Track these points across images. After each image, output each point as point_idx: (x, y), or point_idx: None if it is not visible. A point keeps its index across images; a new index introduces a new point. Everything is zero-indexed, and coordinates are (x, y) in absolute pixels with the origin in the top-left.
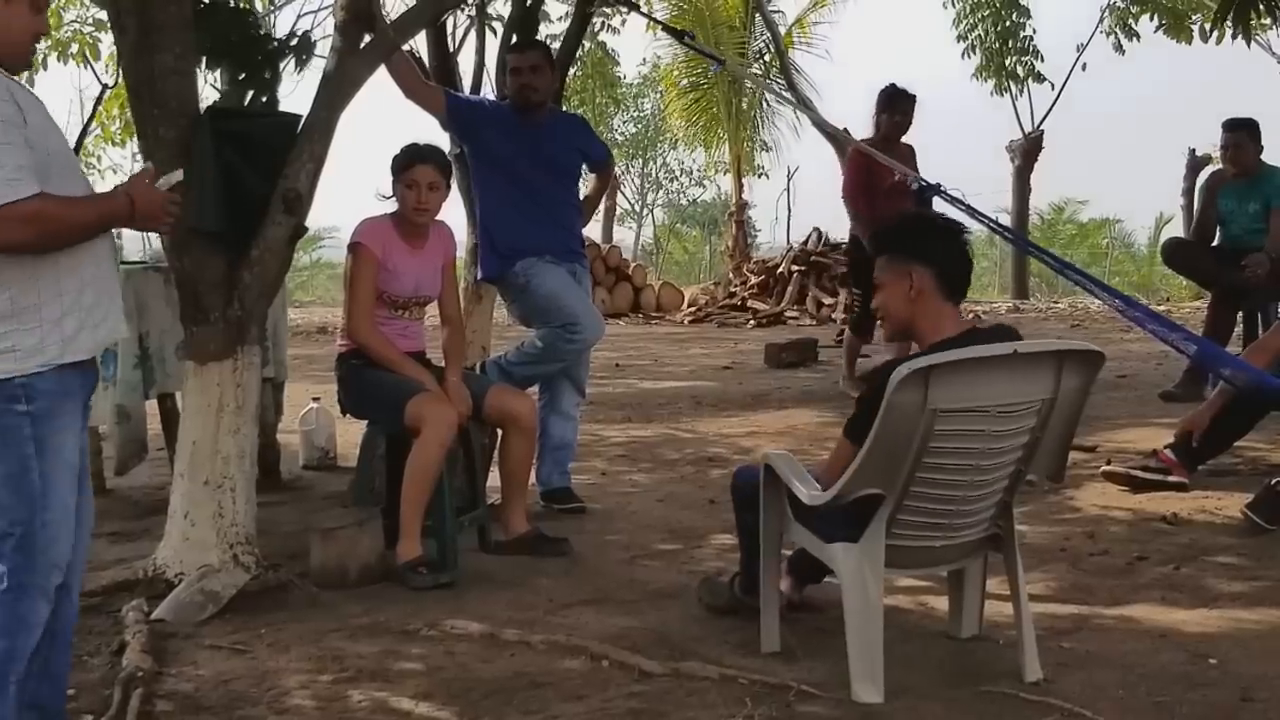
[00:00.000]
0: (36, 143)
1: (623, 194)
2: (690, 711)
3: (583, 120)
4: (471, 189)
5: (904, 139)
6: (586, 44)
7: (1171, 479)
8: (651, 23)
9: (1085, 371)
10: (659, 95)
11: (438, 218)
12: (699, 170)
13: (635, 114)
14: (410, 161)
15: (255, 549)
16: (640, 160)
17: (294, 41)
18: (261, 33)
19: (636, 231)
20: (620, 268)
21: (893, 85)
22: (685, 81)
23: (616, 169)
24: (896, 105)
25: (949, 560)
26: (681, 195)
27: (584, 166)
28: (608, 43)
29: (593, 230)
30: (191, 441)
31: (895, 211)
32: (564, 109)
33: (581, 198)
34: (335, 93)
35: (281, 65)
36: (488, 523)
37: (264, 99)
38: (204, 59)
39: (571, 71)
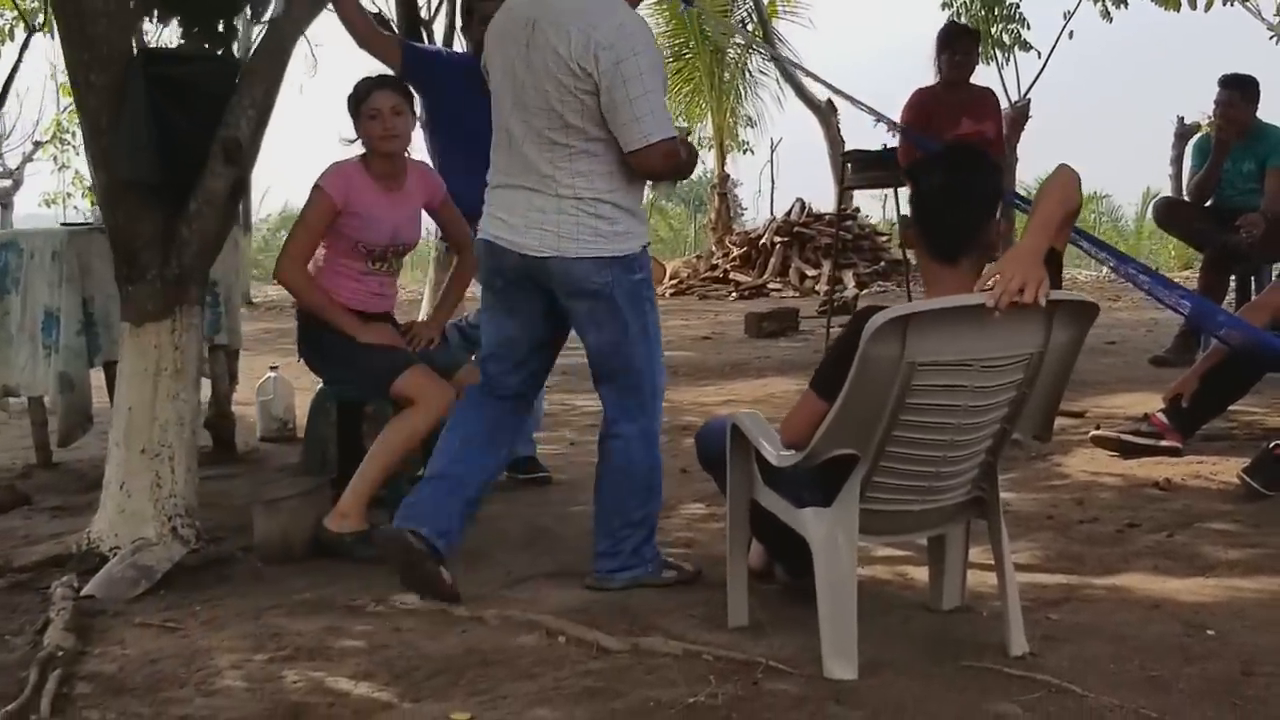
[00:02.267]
0: None
1: None
2: (649, 690)
3: None
4: (429, 148)
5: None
6: None
7: (1164, 444)
8: None
9: (1078, 324)
10: None
11: (417, 159)
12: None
13: None
14: (368, 89)
15: (196, 521)
16: None
17: None
18: None
19: None
20: None
21: (950, 21)
22: (668, 51)
23: None
24: (957, 43)
25: (929, 526)
26: None
27: None
28: None
29: None
30: (127, 408)
31: None
32: None
33: None
34: (279, 35)
35: (237, 18)
36: None
37: (219, 52)
38: (155, 12)
39: None
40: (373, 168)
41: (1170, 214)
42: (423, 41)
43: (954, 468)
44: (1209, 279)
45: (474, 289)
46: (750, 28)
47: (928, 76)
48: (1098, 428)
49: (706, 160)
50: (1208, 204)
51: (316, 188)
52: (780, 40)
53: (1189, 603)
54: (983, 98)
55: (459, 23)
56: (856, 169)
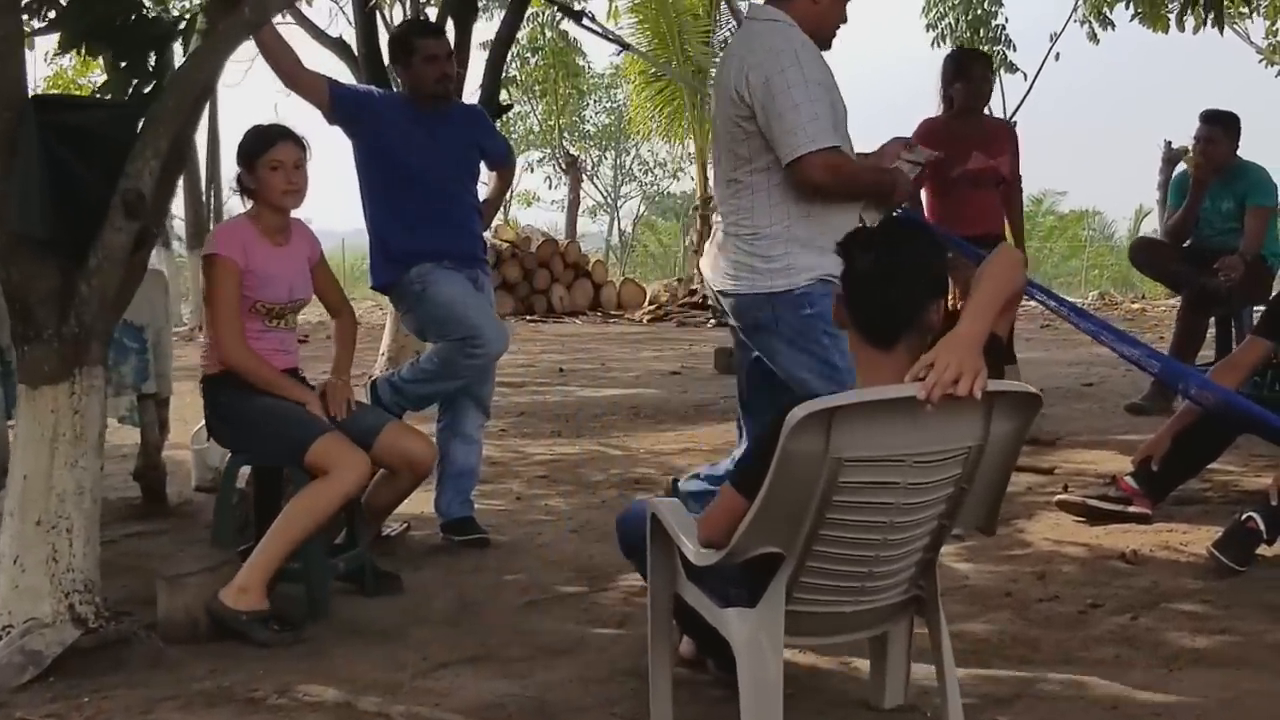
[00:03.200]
0: (836, 104)
1: (595, 185)
2: None
3: (481, 111)
4: (361, 190)
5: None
6: (548, 33)
7: (1132, 509)
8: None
9: (1020, 415)
10: (630, 85)
11: (293, 214)
12: (674, 162)
13: (608, 104)
14: (270, 140)
15: (96, 597)
16: (613, 151)
17: (182, 25)
18: (148, 15)
19: (609, 224)
20: (579, 264)
21: (960, 47)
22: (652, 71)
23: (587, 161)
24: (971, 70)
25: (862, 627)
26: (655, 187)
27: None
28: (569, 31)
29: (560, 225)
30: (22, 476)
31: (974, 211)
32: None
33: (484, 199)
34: (186, 77)
35: (168, 51)
36: (368, 562)
37: (148, 89)
38: (83, 45)
39: (532, 60)
40: (263, 223)
41: (1147, 255)
42: (385, 72)
43: (888, 567)
44: (1187, 321)
45: (405, 335)
46: None
47: (917, 99)
48: (1065, 489)
49: (691, 179)
50: (1186, 244)
51: (215, 257)
52: None
53: (1148, 702)
54: (997, 130)
55: (388, 59)
56: None
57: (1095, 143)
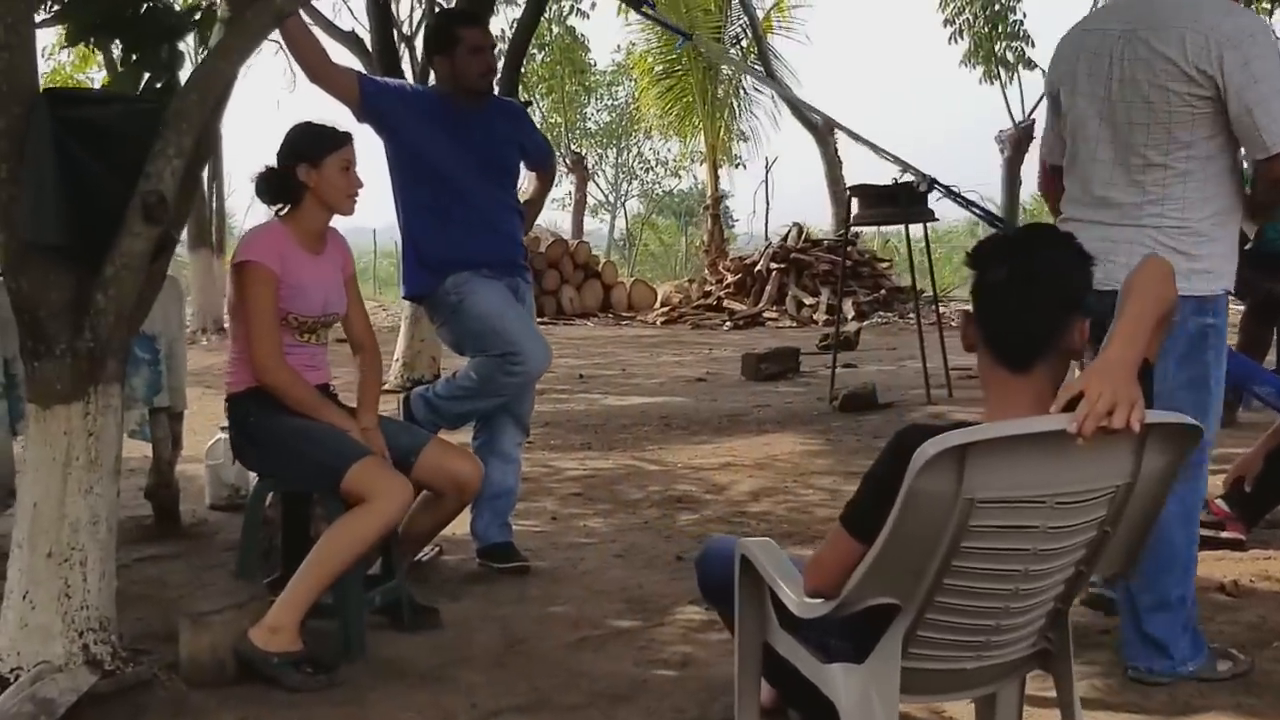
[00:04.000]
0: None
1: (596, 185)
2: None
3: (522, 108)
4: (394, 192)
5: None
6: (555, 29)
7: (1225, 535)
8: None
9: (1174, 449)
10: (633, 83)
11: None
12: (674, 160)
13: (609, 102)
14: (342, 138)
15: (112, 635)
16: (615, 150)
17: (198, 15)
18: (160, 4)
19: (610, 223)
20: (589, 264)
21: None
22: (659, 68)
23: (590, 160)
24: None
25: (982, 683)
26: (657, 186)
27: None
28: (576, 27)
29: (562, 224)
30: (32, 503)
31: None
32: (523, 96)
33: (525, 200)
34: (211, 70)
35: (182, 43)
36: (405, 595)
37: (160, 84)
38: (91, 37)
39: (538, 56)
40: (302, 228)
41: None
42: (399, 66)
43: (1018, 619)
44: (1252, 330)
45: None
46: (745, 44)
47: (931, 95)
48: None
49: (698, 176)
50: (1247, 247)
51: (249, 265)
52: (775, 56)
53: None
54: None
55: (423, 51)
56: (865, 204)
57: None
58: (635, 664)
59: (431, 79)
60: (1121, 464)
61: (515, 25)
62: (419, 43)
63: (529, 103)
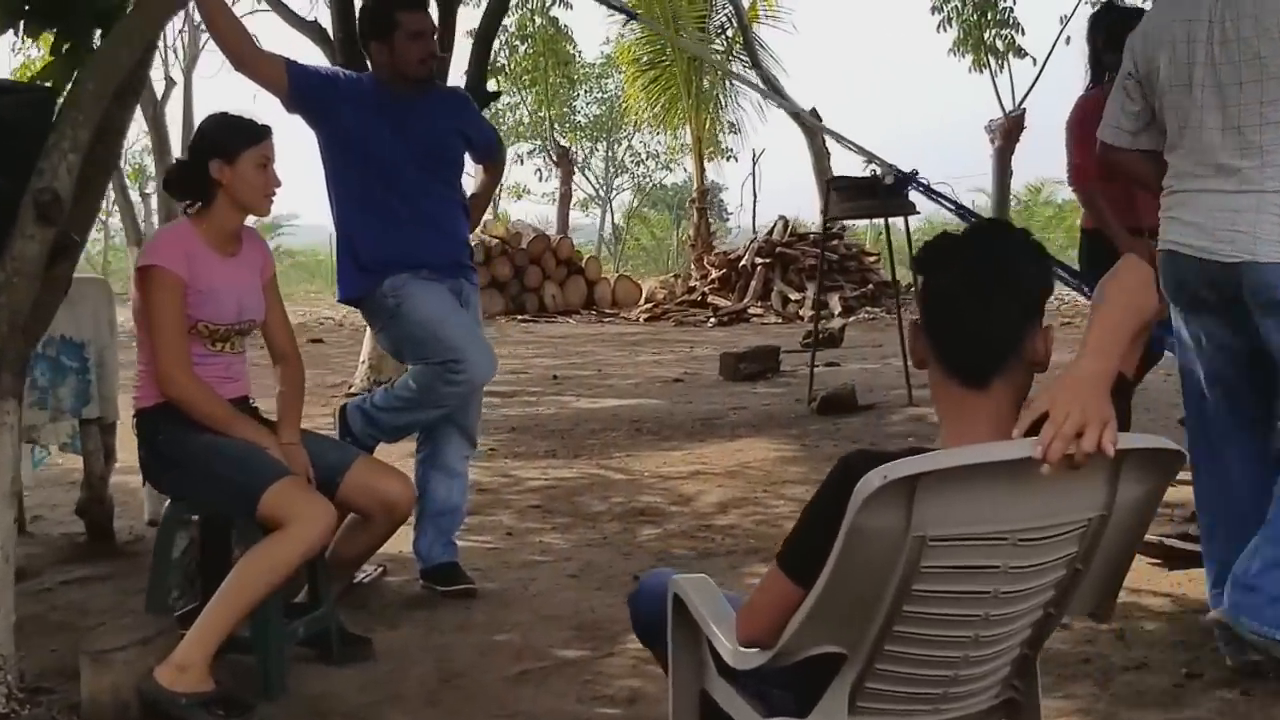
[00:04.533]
0: None
1: (586, 178)
2: None
3: (465, 96)
4: (327, 187)
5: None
6: (537, 20)
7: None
8: None
9: (1154, 476)
10: (621, 75)
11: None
12: (665, 153)
13: (599, 95)
14: (261, 132)
15: (9, 675)
16: (605, 143)
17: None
18: None
19: (601, 217)
20: (573, 260)
21: (1111, 5)
22: (645, 59)
23: (578, 153)
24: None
25: None
26: (648, 179)
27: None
28: (560, 18)
29: (551, 218)
30: None
31: (1144, 202)
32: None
33: (471, 195)
34: (109, 57)
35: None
36: (334, 624)
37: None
38: (20, 24)
39: (521, 49)
40: (213, 228)
41: None
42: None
43: (978, 668)
44: None
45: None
46: (730, 33)
47: (920, 84)
48: None
49: (689, 169)
50: None
51: (151, 269)
52: (761, 46)
53: None
54: None
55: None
56: (842, 198)
57: None
58: (579, 700)
59: None
60: (1094, 494)
61: (482, 14)
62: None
63: (498, 93)
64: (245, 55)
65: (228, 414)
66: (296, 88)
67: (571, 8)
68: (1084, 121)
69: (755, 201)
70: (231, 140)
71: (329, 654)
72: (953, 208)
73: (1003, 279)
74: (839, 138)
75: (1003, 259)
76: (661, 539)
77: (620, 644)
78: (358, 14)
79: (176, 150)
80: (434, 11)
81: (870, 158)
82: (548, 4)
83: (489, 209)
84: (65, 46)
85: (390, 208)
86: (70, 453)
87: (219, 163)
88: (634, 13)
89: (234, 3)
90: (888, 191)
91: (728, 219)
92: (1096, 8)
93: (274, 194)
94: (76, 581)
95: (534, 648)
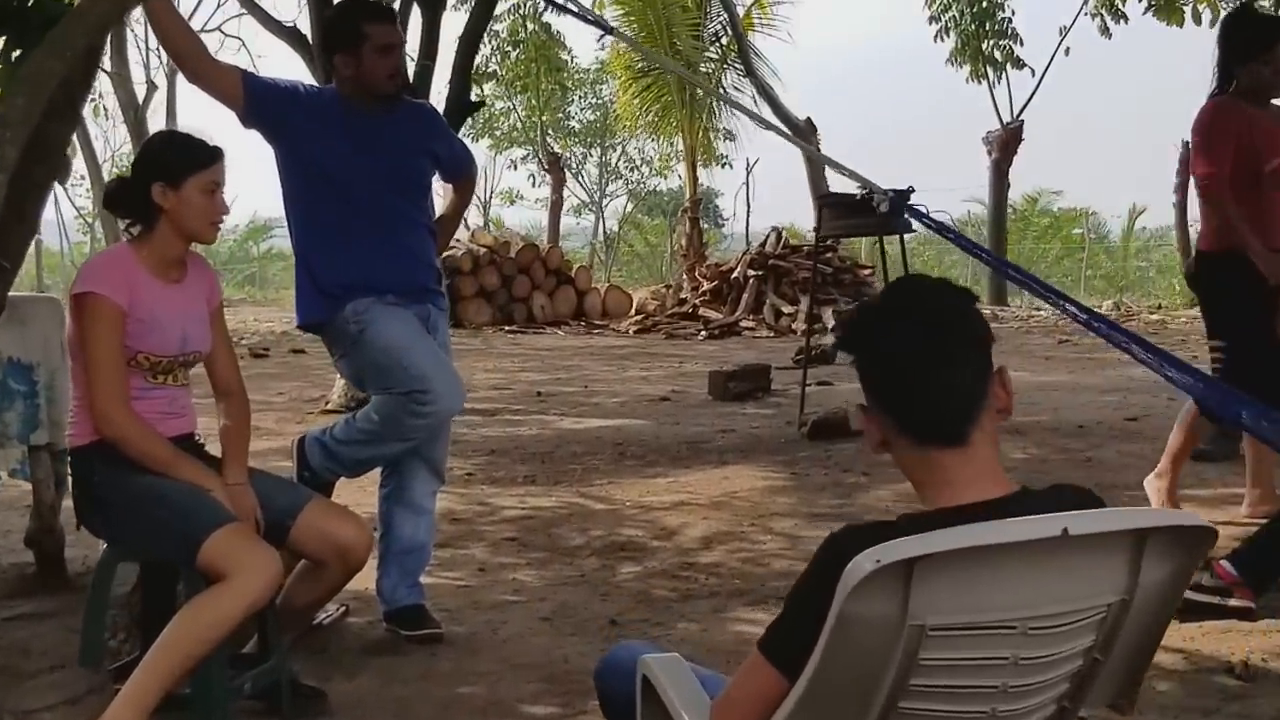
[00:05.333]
0: None
1: (580, 184)
2: None
3: (433, 111)
4: (285, 207)
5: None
6: (529, 25)
7: (1232, 603)
8: None
9: (1180, 555)
10: (615, 81)
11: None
12: (659, 159)
13: (593, 100)
14: (212, 155)
15: None
16: (599, 149)
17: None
18: None
19: (595, 224)
20: (562, 270)
21: (1245, 8)
22: (639, 65)
23: (571, 159)
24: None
25: None
26: (643, 185)
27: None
28: (552, 24)
29: (540, 223)
30: None
31: None
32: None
33: (437, 216)
34: (39, 67)
35: None
36: (285, 677)
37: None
38: None
39: (513, 54)
40: (155, 254)
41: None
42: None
43: None
44: None
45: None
46: (725, 41)
47: (918, 94)
48: None
49: (679, 177)
50: None
51: (88, 296)
52: (756, 54)
53: None
54: None
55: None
56: (835, 215)
57: (1101, 141)
58: None
59: None
60: (1115, 576)
61: (466, 22)
62: None
63: (481, 102)
64: (197, 66)
65: (169, 454)
66: (252, 101)
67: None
68: (1213, 128)
69: (749, 213)
70: (177, 163)
71: (279, 709)
72: (952, 237)
73: (957, 328)
74: (830, 161)
75: (950, 309)
76: (641, 578)
77: (594, 699)
78: (322, 25)
79: None
80: (417, 17)
81: (864, 183)
82: (540, 10)
83: (460, 228)
84: (15, 54)
85: (352, 229)
86: (20, 479)
87: (162, 186)
88: (610, 27)
89: (196, 8)
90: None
91: (723, 224)
92: (1229, 12)
93: (221, 222)
94: (21, 618)
95: (501, 702)
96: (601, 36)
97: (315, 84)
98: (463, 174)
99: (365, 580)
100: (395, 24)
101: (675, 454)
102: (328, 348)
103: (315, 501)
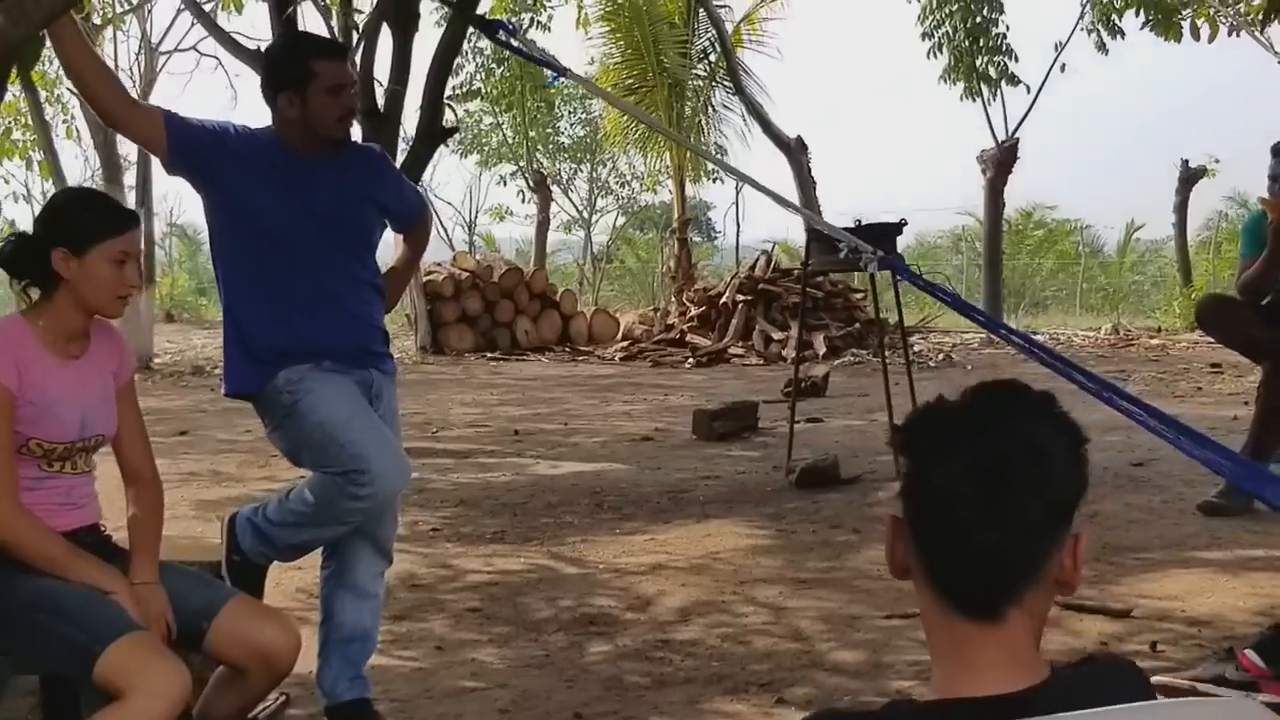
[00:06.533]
0: None
1: (570, 199)
2: None
3: (381, 155)
4: (214, 262)
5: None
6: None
7: (1261, 699)
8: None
9: None
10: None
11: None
12: (649, 175)
13: (583, 116)
14: (124, 222)
15: None
16: (589, 164)
17: None
18: None
19: (584, 243)
20: (547, 294)
21: None
22: (628, 81)
23: (561, 174)
24: None
25: None
26: (633, 201)
27: (384, 223)
28: (537, 40)
29: (529, 238)
30: None
31: None
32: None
33: (388, 269)
34: None
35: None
36: None
37: None
38: None
39: (497, 72)
40: (52, 326)
41: (1215, 315)
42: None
43: None
44: (1269, 399)
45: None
46: (713, 59)
47: (911, 112)
48: (1154, 649)
49: (670, 192)
50: (1265, 302)
51: None
52: (746, 72)
53: None
54: None
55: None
56: (824, 249)
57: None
58: None
59: None
60: None
61: (436, 48)
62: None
63: (455, 129)
64: (114, 106)
65: (64, 552)
66: (177, 145)
67: (550, 30)
68: None
69: (739, 233)
70: (83, 228)
71: None
72: (946, 299)
73: (1030, 483)
74: (810, 217)
75: (1029, 452)
76: (612, 659)
77: None
78: (264, 58)
79: (130, 180)
80: (388, 39)
81: (850, 243)
82: (525, 27)
83: (445, 248)
84: None
85: (286, 287)
86: None
87: (64, 253)
88: (563, 69)
89: (170, 26)
90: (873, 244)
91: (715, 238)
92: None
93: (129, 296)
94: None
95: None
96: (553, 78)
97: (246, 125)
98: (414, 223)
99: (309, 661)
100: (346, 62)
101: (655, 505)
102: (260, 418)
103: (235, 600)
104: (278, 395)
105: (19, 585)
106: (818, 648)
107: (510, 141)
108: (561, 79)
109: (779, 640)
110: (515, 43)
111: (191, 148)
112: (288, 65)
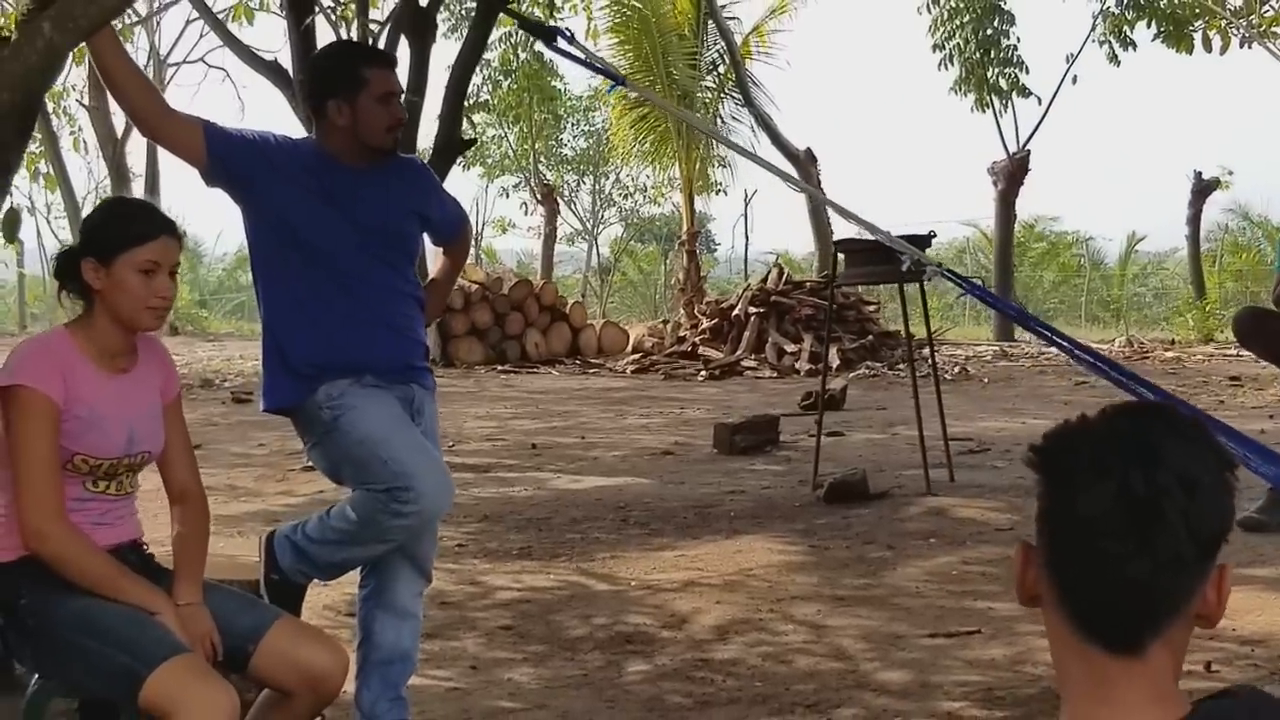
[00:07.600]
0: None
1: (574, 211)
2: None
3: (424, 169)
4: (253, 275)
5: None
6: (521, 54)
7: None
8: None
9: None
10: (609, 109)
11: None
12: (653, 187)
13: (586, 128)
14: (149, 230)
15: None
16: (592, 176)
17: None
18: None
19: (587, 256)
20: (557, 306)
21: None
22: (635, 95)
23: (564, 187)
24: None
25: None
26: (636, 214)
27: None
28: (544, 53)
29: (533, 251)
30: None
31: None
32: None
33: (427, 281)
34: None
35: None
36: None
37: None
38: None
39: (504, 84)
40: (96, 340)
41: (1256, 328)
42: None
43: None
44: None
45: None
46: (722, 70)
47: (922, 123)
48: (1209, 669)
49: (677, 203)
50: None
51: (17, 390)
52: (755, 83)
53: None
54: None
55: (306, 93)
56: (854, 262)
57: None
58: None
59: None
60: None
61: (454, 62)
62: None
63: (474, 141)
64: (152, 117)
65: (110, 572)
66: (216, 156)
67: (555, 47)
68: None
69: (747, 246)
70: (109, 237)
71: None
72: (988, 299)
73: (1179, 515)
74: (844, 212)
75: (1182, 473)
76: (651, 679)
77: None
78: (310, 66)
79: (138, 191)
80: (405, 51)
81: (886, 238)
82: (531, 40)
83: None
84: None
85: (327, 301)
86: None
87: (93, 264)
88: (622, 77)
89: (179, 38)
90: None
91: (715, 249)
92: None
93: (161, 307)
94: None
95: None
96: (613, 87)
97: (287, 134)
98: (456, 237)
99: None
100: (395, 70)
101: (682, 520)
102: (299, 435)
103: (282, 622)
104: (318, 411)
105: (60, 606)
106: (862, 667)
107: (514, 153)
108: (620, 87)
109: (821, 659)
110: (574, 50)
111: (231, 158)
112: (338, 72)
